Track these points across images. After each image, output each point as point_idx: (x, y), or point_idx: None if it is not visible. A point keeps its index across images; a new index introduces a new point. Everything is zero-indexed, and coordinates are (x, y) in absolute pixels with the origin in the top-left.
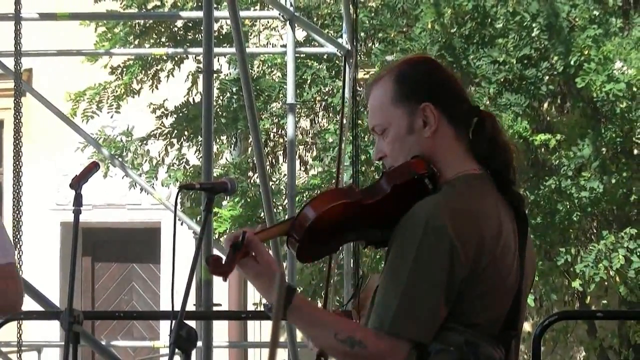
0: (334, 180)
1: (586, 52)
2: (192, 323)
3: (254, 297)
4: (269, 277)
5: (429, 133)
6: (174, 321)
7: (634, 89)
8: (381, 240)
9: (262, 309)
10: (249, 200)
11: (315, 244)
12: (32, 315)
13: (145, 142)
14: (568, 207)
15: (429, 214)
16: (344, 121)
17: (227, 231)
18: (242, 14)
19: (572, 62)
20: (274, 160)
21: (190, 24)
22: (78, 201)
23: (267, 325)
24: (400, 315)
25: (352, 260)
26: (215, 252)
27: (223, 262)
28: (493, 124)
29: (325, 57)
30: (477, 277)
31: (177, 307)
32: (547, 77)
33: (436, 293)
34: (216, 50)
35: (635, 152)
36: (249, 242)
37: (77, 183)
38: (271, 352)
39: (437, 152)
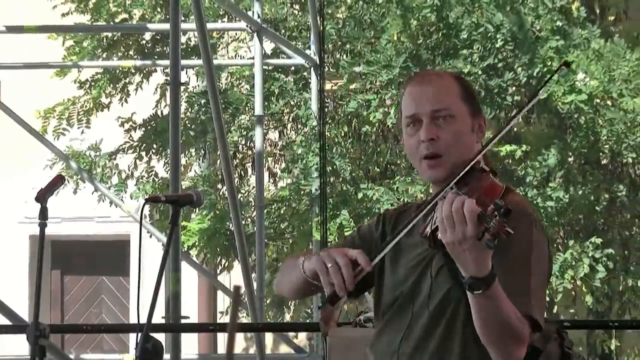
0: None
1: (549, 64)
2: (160, 336)
3: (223, 308)
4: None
5: (478, 140)
6: (140, 334)
7: (596, 101)
8: None
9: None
10: (217, 212)
11: None
12: None
13: (114, 156)
14: None
15: (531, 209)
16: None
17: (196, 244)
18: (210, 26)
19: (534, 74)
20: (242, 172)
21: (158, 37)
22: (43, 214)
23: (238, 336)
24: (535, 302)
25: None
26: (183, 265)
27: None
28: None
29: (292, 69)
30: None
31: (144, 320)
32: (512, 88)
33: (545, 281)
34: (184, 62)
35: (603, 162)
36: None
37: (43, 196)
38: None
39: None
